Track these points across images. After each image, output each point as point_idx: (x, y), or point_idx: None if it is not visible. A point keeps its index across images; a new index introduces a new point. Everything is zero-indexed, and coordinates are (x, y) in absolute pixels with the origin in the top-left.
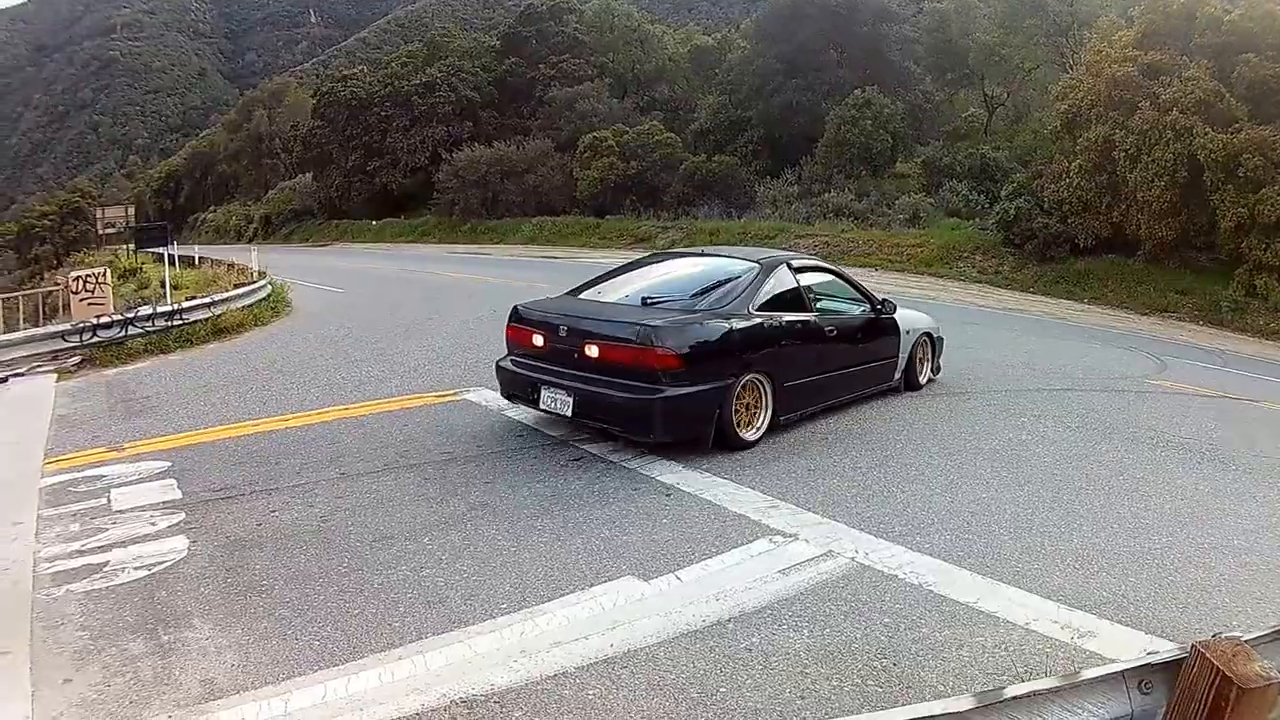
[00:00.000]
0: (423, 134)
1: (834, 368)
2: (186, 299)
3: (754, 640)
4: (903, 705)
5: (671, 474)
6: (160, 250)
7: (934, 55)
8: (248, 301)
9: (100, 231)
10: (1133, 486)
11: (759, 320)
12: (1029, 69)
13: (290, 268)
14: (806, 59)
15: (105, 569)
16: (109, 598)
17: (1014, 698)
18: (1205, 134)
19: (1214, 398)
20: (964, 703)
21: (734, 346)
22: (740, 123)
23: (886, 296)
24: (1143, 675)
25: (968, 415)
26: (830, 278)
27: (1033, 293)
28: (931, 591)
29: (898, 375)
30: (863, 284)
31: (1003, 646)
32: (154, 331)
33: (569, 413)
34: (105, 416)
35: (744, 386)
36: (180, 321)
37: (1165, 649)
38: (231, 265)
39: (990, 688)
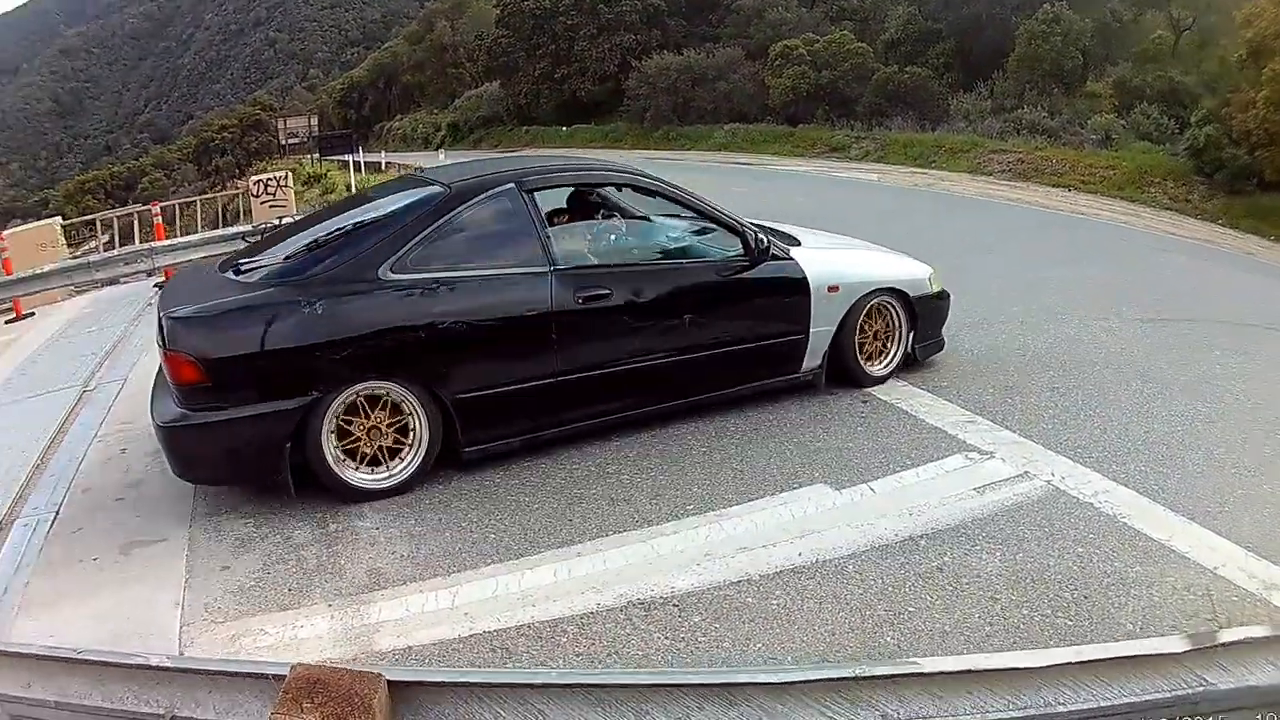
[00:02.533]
0: (610, 42)
1: (605, 362)
2: None
3: (945, 560)
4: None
5: None
6: (345, 157)
7: None
8: None
9: (283, 142)
10: None
11: (393, 290)
12: None
13: None
14: None
15: None
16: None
17: (1226, 644)
18: None
19: None
20: (1176, 644)
21: (319, 341)
22: (930, 34)
23: (776, 226)
24: None
25: (1163, 342)
26: (656, 200)
27: (1220, 224)
28: (1126, 524)
29: (810, 363)
30: (725, 211)
31: (1191, 589)
32: None
33: None
34: None
35: (364, 402)
36: None
37: None
38: (419, 169)
39: (1199, 630)
